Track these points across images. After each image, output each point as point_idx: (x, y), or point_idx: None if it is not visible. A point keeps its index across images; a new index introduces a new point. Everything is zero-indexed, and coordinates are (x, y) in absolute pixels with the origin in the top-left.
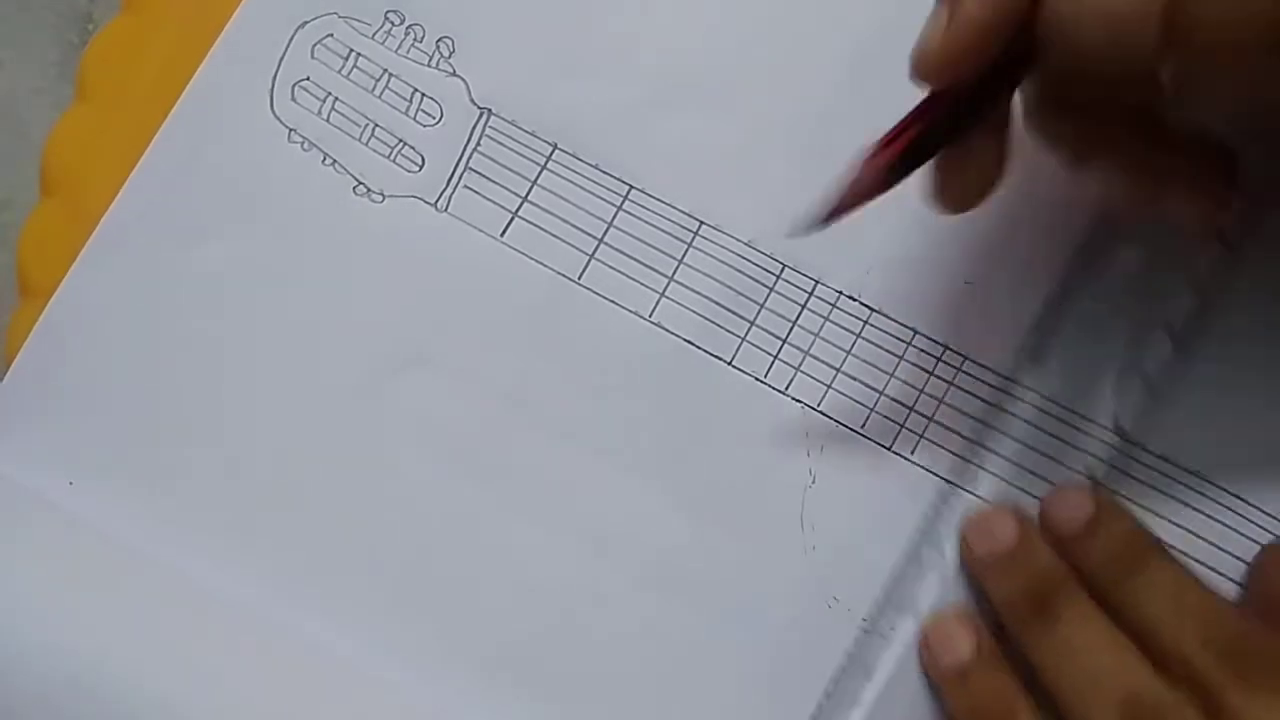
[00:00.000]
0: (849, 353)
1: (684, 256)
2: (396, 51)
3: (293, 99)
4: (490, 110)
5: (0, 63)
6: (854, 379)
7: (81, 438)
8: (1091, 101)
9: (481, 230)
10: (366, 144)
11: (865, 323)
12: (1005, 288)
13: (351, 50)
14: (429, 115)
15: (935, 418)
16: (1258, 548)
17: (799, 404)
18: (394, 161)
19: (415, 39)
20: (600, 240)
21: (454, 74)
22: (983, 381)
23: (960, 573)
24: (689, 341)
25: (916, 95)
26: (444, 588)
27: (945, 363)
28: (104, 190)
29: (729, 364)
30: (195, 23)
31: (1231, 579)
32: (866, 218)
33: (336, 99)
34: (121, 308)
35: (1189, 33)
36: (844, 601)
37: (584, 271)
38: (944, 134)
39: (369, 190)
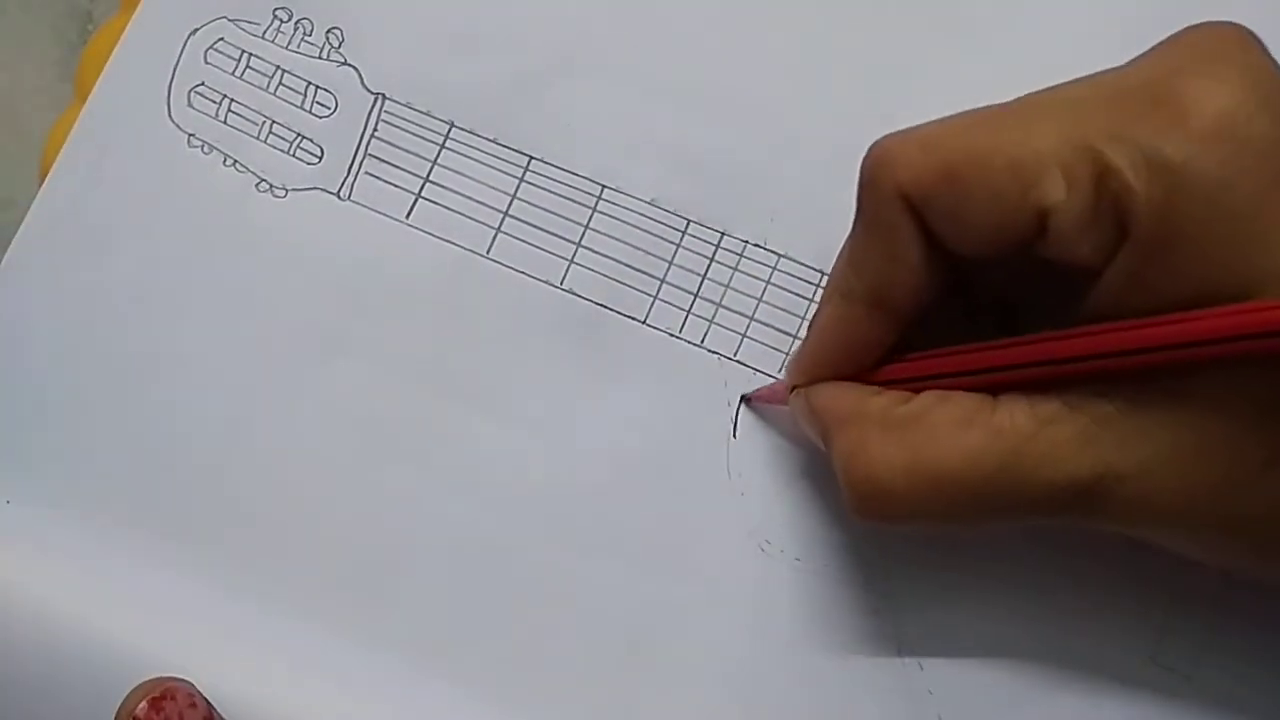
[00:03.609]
0: (760, 300)
1: (589, 221)
2: (287, 48)
3: (189, 105)
4: (384, 95)
5: (0, 63)
6: (767, 325)
7: (12, 455)
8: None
9: (386, 215)
10: (265, 141)
11: (774, 269)
12: None
13: (243, 51)
14: (324, 106)
15: None
16: None
17: (716, 355)
18: (293, 156)
19: (304, 33)
20: (505, 213)
21: (345, 63)
22: None
23: None
24: (602, 305)
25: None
26: (379, 568)
27: None
28: None
29: (643, 323)
30: None
31: None
32: (765, 165)
33: (232, 100)
34: (39, 323)
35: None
36: (776, 544)
37: (491, 245)
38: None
39: (271, 187)
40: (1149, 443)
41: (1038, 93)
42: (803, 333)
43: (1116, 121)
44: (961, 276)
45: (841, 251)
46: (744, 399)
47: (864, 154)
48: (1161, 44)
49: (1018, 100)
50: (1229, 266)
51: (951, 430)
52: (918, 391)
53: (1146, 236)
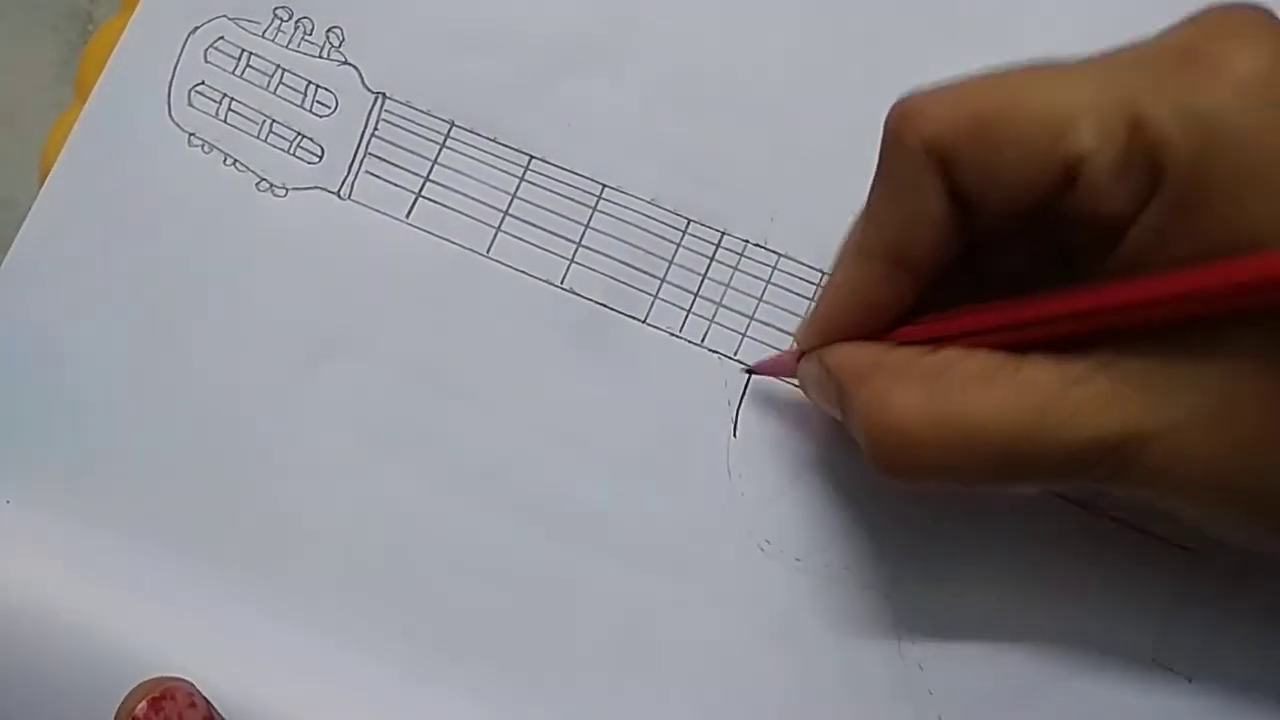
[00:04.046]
0: (760, 300)
1: (590, 221)
2: (287, 47)
3: (190, 104)
4: (384, 94)
5: (0, 63)
6: (767, 325)
7: (13, 455)
8: None
9: (386, 214)
10: (265, 140)
11: (774, 269)
12: None
13: (243, 50)
14: (324, 106)
15: None
16: None
17: (716, 355)
18: (294, 155)
19: (305, 32)
20: (505, 212)
21: (346, 62)
22: None
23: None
24: (602, 304)
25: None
26: (378, 567)
27: None
28: None
29: (643, 322)
30: None
31: None
32: (765, 165)
33: (233, 99)
34: (39, 323)
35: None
36: (775, 544)
37: (492, 245)
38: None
39: (272, 186)
40: (1178, 403)
41: (1065, 59)
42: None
43: (1150, 77)
44: (975, 251)
45: (859, 214)
46: (748, 370)
47: (888, 110)
48: (1184, 20)
49: (1046, 60)
50: (1259, 220)
51: (977, 384)
52: (938, 350)
53: (1180, 187)
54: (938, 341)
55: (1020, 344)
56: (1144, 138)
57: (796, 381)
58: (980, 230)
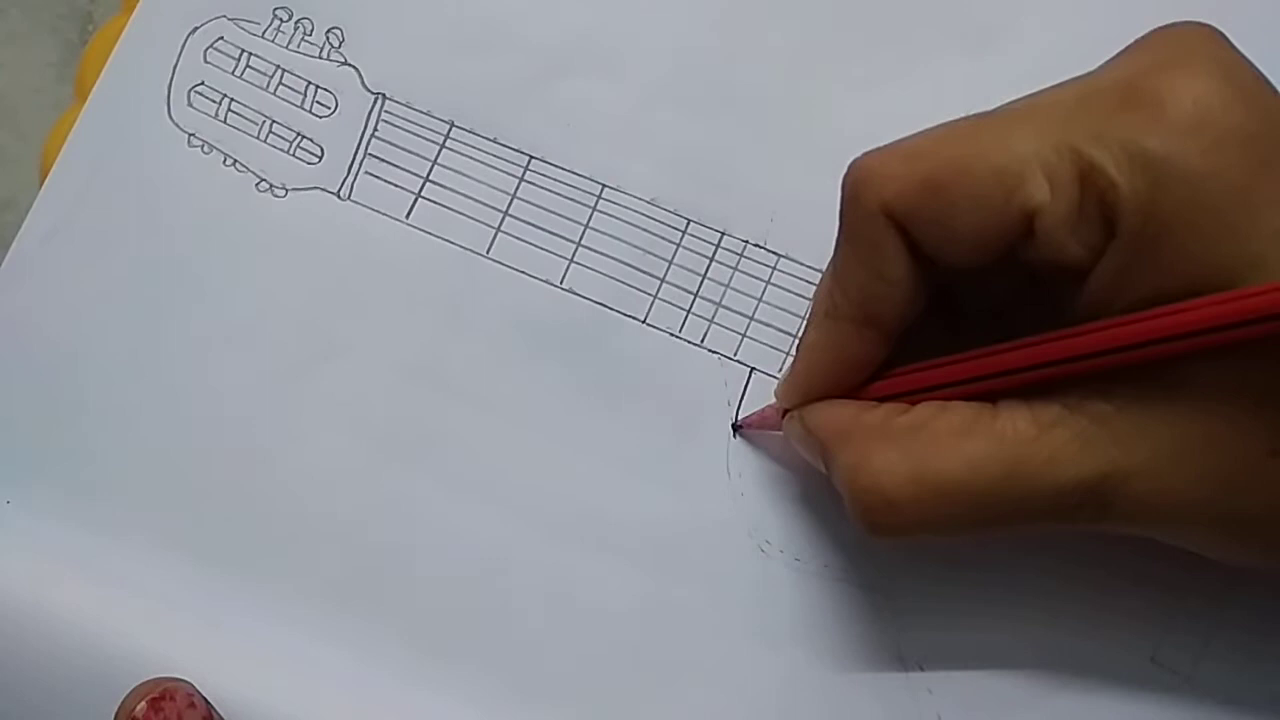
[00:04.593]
0: (760, 300)
1: (589, 221)
2: (287, 47)
3: (189, 104)
4: (384, 95)
5: (0, 63)
6: (767, 325)
7: (13, 455)
8: None
9: (386, 214)
10: (265, 141)
11: (773, 269)
12: None
13: (243, 51)
14: (324, 106)
15: None
16: None
17: (715, 355)
18: (294, 155)
19: (305, 33)
20: (505, 213)
21: (345, 63)
22: None
23: None
24: (601, 304)
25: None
26: (378, 567)
27: None
28: None
29: (643, 322)
30: None
31: None
32: (765, 165)
33: (232, 100)
34: (39, 323)
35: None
36: (775, 544)
37: (491, 245)
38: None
39: (271, 186)
40: (1151, 439)
41: (1013, 102)
42: (803, 332)
43: (1095, 120)
44: (946, 290)
45: (825, 272)
46: (734, 427)
47: (843, 173)
48: (1129, 47)
49: (995, 110)
50: (1216, 256)
51: (953, 439)
52: (914, 404)
53: (1134, 231)
54: (914, 395)
55: (993, 391)
56: (1095, 185)
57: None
58: (946, 278)
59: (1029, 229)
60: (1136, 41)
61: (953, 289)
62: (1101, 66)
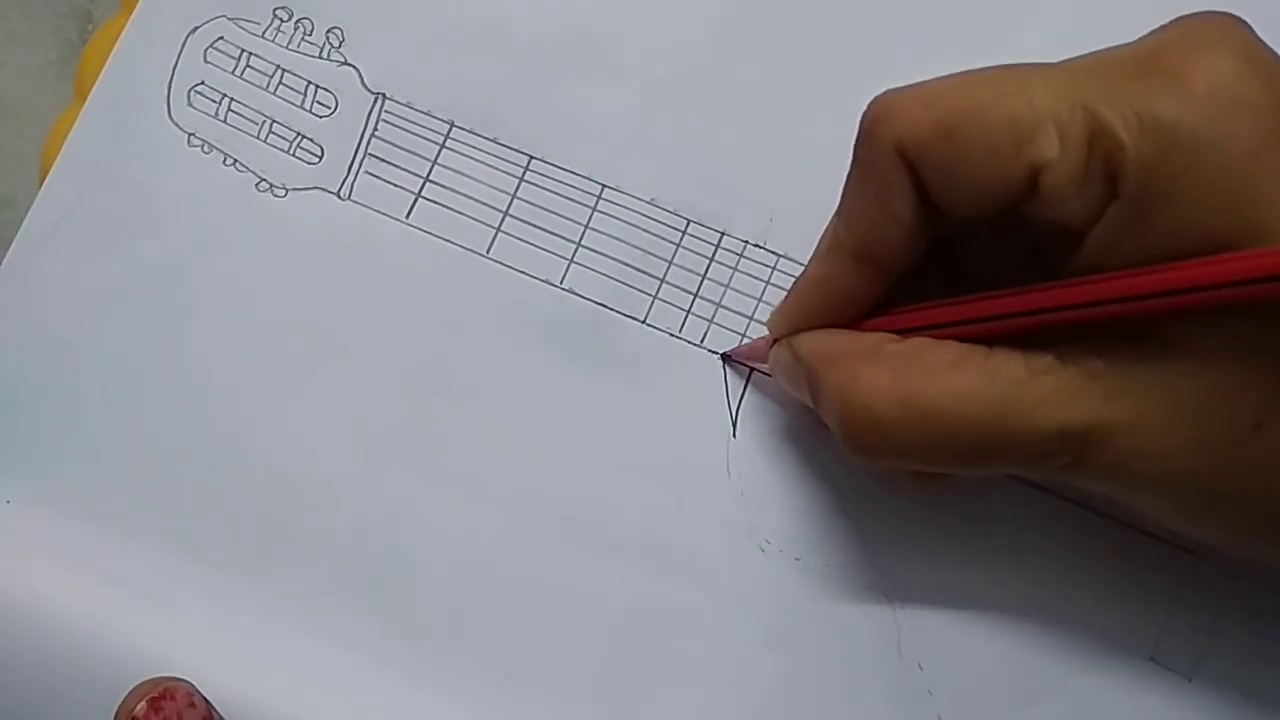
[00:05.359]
0: (760, 300)
1: (589, 221)
2: (287, 47)
3: (189, 104)
4: (384, 95)
5: (0, 63)
6: (766, 325)
7: (13, 455)
8: None
9: (386, 214)
10: (265, 140)
11: (773, 269)
12: None
13: (243, 50)
14: (324, 106)
15: None
16: None
17: (715, 355)
18: (294, 155)
19: (305, 33)
20: (505, 213)
21: (345, 63)
22: None
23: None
24: (601, 304)
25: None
26: (378, 567)
27: None
28: None
29: (643, 323)
30: None
31: None
32: (765, 165)
33: (232, 100)
34: (39, 323)
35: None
36: (775, 544)
37: (492, 245)
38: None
39: (271, 186)
40: (1140, 397)
41: (1035, 63)
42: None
43: (1112, 84)
44: (948, 252)
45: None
46: (724, 356)
47: (863, 108)
48: (1157, 29)
49: (1015, 64)
50: (1215, 224)
51: (945, 370)
52: (907, 338)
53: (1134, 193)
54: (907, 333)
55: (985, 336)
56: (1103, 145)
57: (768, 367)
58: (948, 231)
59: (1035, 184)
60: (1160, 26)
61: (954, 249)
62: (1123, 44)
